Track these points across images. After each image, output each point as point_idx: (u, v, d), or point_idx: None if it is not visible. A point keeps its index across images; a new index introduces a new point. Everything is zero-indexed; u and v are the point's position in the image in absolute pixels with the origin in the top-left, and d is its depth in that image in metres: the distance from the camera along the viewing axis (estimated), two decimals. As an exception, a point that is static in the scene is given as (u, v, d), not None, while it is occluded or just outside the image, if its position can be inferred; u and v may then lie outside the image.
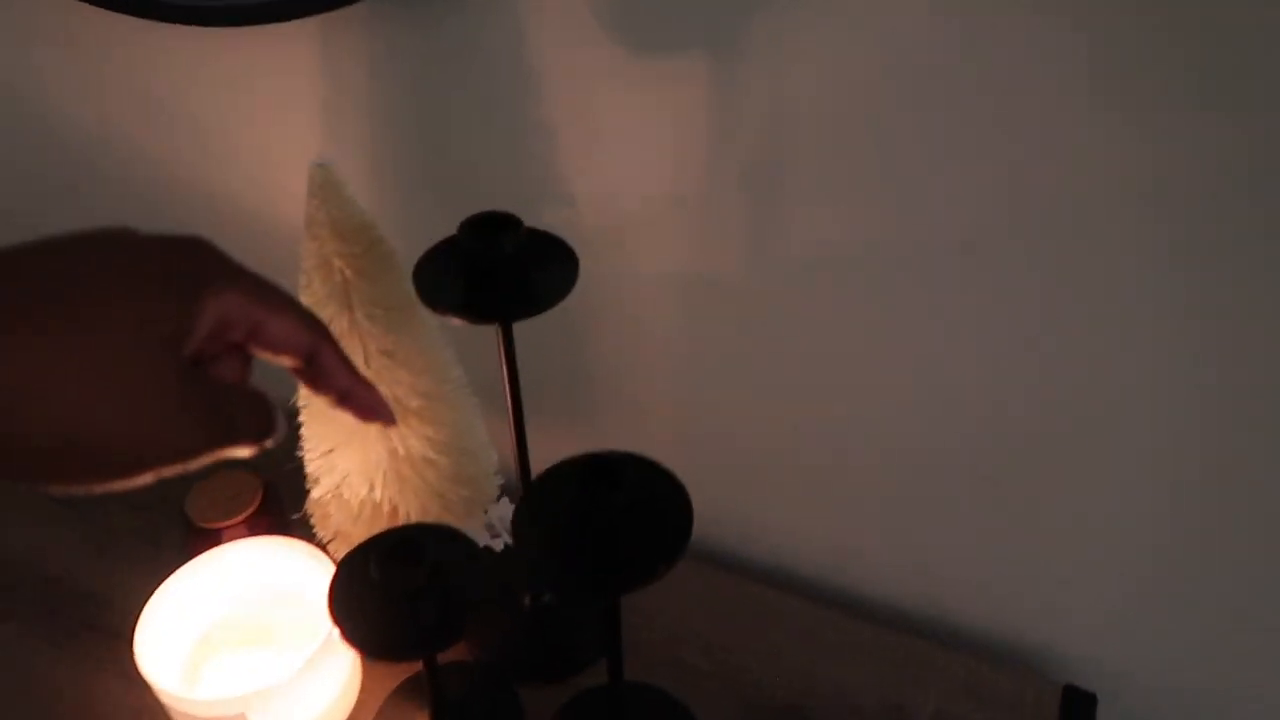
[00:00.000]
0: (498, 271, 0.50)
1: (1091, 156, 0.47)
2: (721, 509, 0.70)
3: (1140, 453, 0.56)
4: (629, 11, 0.51)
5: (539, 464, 0.77)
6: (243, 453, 0.35)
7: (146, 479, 0.32)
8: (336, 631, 0.49)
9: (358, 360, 0.56)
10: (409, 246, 0.53)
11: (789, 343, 0.61)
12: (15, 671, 0.65)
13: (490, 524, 0.71)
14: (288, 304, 0.36)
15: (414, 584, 0.49)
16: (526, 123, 0.58)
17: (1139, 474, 0.56)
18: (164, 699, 0.55)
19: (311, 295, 0.55)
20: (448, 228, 0.53)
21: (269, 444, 0.36)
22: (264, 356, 0.36)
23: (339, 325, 0.55)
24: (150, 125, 0.72)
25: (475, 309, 0.49)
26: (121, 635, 0.66)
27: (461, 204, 0.63)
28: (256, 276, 0.35)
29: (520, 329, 0.51)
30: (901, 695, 0.62)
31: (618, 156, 0.57)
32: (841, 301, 0.58)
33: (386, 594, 0.49)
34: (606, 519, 0.43)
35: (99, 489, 0.31)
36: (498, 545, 0.71)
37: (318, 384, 0.39)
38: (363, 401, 0.40)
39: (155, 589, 0.67)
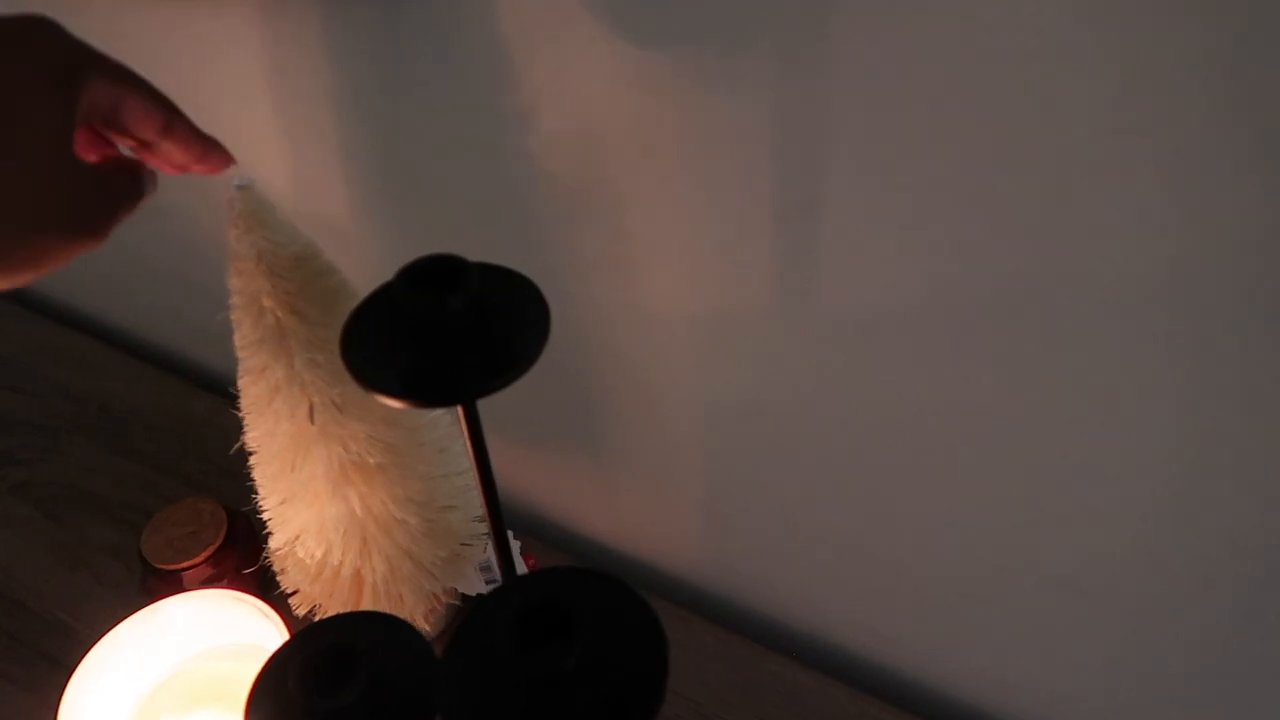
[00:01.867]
0: (448, 336, 0.39)
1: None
2: (741, 566, 0.60)
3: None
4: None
5: (549, 506, 0.68)
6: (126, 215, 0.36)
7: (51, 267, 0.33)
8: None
9: (300, 415, 0.46)
10: (374, 265, 0.43)
11: (821, 394, 0.50)
12: (-33, 707, 0.60)
13: (486, 564, 0.63)
14: (140, 80, 0.36)
15: (337, 709, 0.41)
16: (513, 116, 0.47)
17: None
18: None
19: (242, 338, 0.46)
20: (423, 239, 0.43)
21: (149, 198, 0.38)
22: (118, 137, 0.37)
23: (274, 375, 0.46)
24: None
25: (425, 389, 0.39)
26: (78, 674, 0.61)
27: (439, 209, 0.53)
28: (107, 57, 0.35)
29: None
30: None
31: (606, 159, 0.46)
32: (887, 358, 0.46)
33: (306, 716, 0.41)
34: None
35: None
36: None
37: (172, 155, 0.38)
38: (218, 158, 0.39)
39: (123, 617, 0.61)
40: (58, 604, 0.66)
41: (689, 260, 0.47)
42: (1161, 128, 0.34)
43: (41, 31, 0.33)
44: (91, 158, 0.38)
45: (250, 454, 0.52)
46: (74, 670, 0.59)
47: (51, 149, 0.32)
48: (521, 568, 0.66)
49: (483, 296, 0.39)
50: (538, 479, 0.65)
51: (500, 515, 0.43)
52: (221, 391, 0.80)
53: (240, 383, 0.48)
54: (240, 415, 0.50)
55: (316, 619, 0.55)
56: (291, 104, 0.54)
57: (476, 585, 0.62)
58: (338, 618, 0.46)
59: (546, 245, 0.50)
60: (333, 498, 0.50)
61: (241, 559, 0.61)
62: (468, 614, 0.37)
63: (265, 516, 0.54)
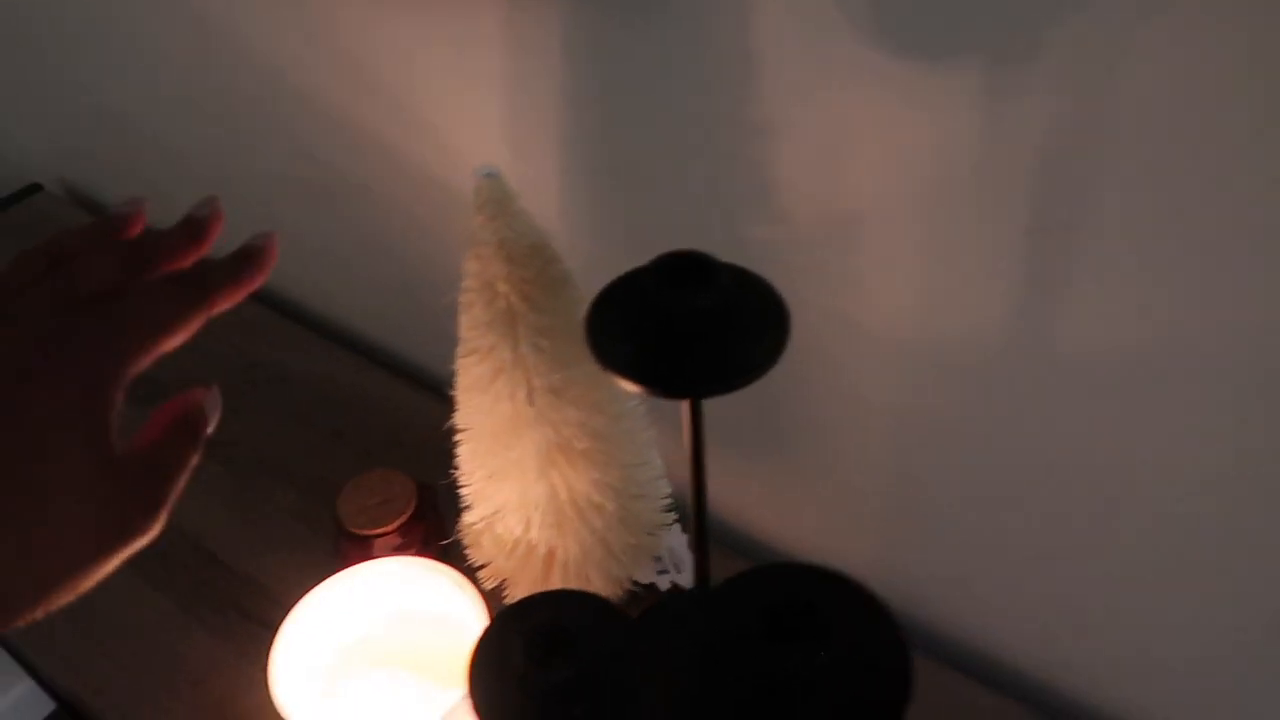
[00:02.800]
0: (689, 331, 0.40)
1: None
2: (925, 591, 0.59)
3: None
4: (878, 8, 0.40)
5: (720, 506, 0.69)
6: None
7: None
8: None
9: (519, 397, 0.48)
10: (591, 261, 0.45)
11: (1044, 444, 0.49)
12: (164, 648, 0.64)
13: (659, 556, 0.64)
14: (170, 324, 0.33)
15: (561, 681, 0.42)
16: (742, 123, 0.47)
17: None
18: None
19: (472, 319, 0.47)
20: (639, 243, 0.44)
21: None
22: None
23: (500, 356, 0.47)
24: (337, 79, 0.66)
25: (660, 379, 0.40)
26: (269, 624, 0.64)
27: (657, 213, 0.54)
28: (136, 340, 0.32)
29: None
30: None
31: (850, 170, 0.46)
32: (1129, 412, 0.45)
33: (529, 687, 0.43)
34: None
35: None
36: (664, 583, 0.63)
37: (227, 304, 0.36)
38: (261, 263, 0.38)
39: (305, 573, 0.64)
40: (246, 559, 0.69)
41: (923, 282, 0.47)
42: None
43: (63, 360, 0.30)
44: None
45: (458, 431, 0.54)
46: (264, 622, 0.63)
47: (87, 475, 0.30)
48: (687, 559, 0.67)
49: (728, 296, 0.39)
50: (718, 475, 0.66)
51: (705, 510, 0.44)
52: (393, 368, 0.84)
53: (461, 363, 0.50)
54: (451, 394, 0.53)
55: (505, 595, 0.57)
56: (525, 104, 0.55)
57: (649, 574, 0.63)
58: (547, 594, 0.47)
59: (777, 249, 0.50)
60: (538, 478, 0.51)
61: (428, 531, 0.63)
62: (661, 600, 0.38)
63: (465, 492, 0.56)
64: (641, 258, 0.36)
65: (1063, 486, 0.50)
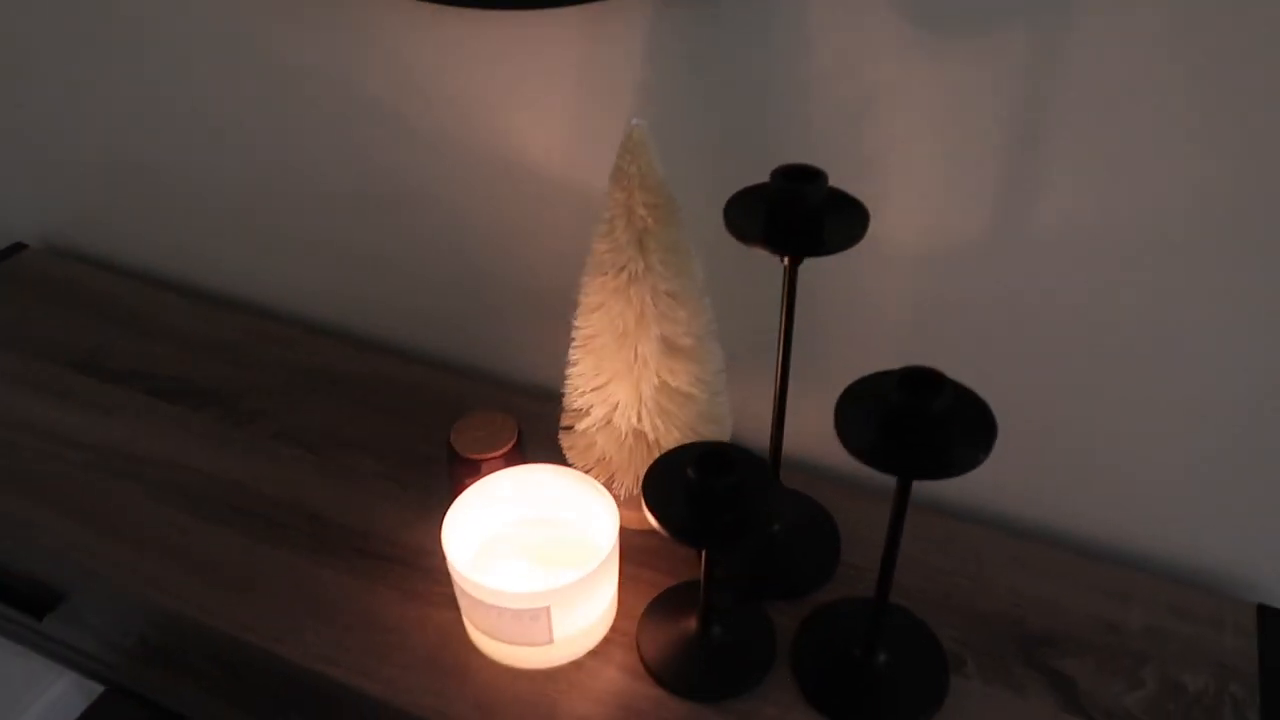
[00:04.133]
0: (798, 215, 0.57)
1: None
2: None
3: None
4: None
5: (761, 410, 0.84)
6: None
7: None
8: (654, 520, 0.56)
9: (648, 301, 0.63)
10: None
11: (1025, 302, 0.68)
12: (297, 588, 0.72)
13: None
14: None
15: (723, 488, 0.56)
16: (799, 93, 0.65)
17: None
18: (482, 595, 0.62)
19: (612, 241, 0.62)
20: (716, 189, 0.61)
21: None
22: None
23: (633, 268, 0.62)
24: (411, 99, 0.80)
25: (775, 242, 0.57)
26: (388, 558, 0.74)
27: (729, 169, 0.71)
28: None
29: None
30: (1112, 614, 0.69)
31: (879, 120, 0.64)
32: (1090, 274, 0.65)
33: (696, 493, 0.57)
34: (930, 419, 0.50)
35: None
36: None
37: None
38: None
39: (404, 520, 0.75)
40: (349, 513, 0.78)
41: (935, 202, 0.65)
42: None
43: None
44: None
45: (576, 349, 0.68)
46: (383, 555, 0.73)
47: None
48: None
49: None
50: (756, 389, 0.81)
51: (790, 343, 0.61)
52: (430, 363, 0.95)
53: (590, 284, 0.65)
54: (572, 323, 0.67)
55: (612, 487, 0.70)
56: (604, 93, 0.71)
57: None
58: (709, 443, 0.61)
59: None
60: (653, 370, 0.66)
61: (522, 459, 0.75)
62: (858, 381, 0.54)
63: (580, 401, 0.69)
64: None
65: (1061, 342, 0.68)
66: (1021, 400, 0.72)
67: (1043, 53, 0.58)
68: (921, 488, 0.78)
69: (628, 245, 0.62)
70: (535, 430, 0.77)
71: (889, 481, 0.54)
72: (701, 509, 0.57)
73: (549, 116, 0.75)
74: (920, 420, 0.50)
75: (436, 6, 0.71)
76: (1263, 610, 0.68)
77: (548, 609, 0.62)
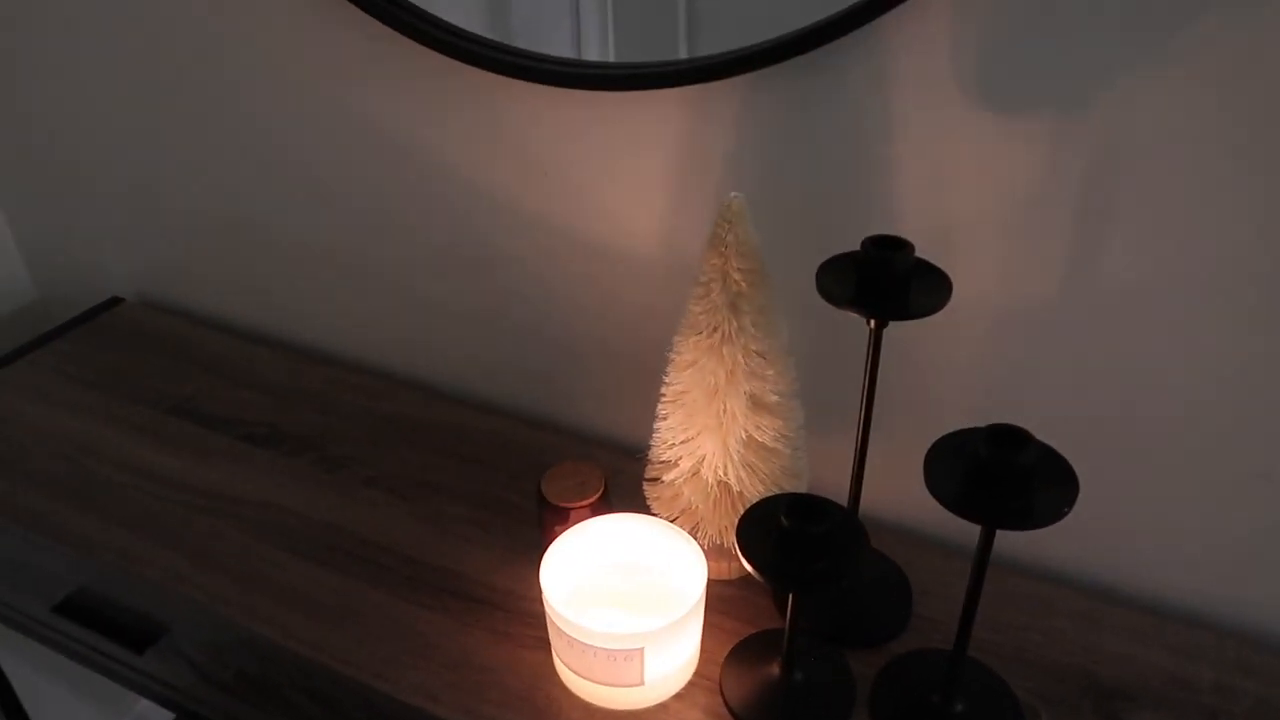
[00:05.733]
0: (887, 280, 0.61)
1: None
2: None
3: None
4: (982, 80, 0.64)
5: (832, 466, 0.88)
6: None
7: None
8: (749, 566, 0.60)
9: (739, 360, 0.67)
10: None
11: (1091, 365, 0.72)
12: (394, 625, 0.76)
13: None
14: None
15: (817, 535, 0.60)
16: (879, 169, 0.70)
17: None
18: (579, 635, 0.65)
19: (709, 303, 0.67)
20: (801, 257, 0.65)
21: None
22: None
23: (726, 329, 0.67)
24: (524, 179, 0.85)
25: (864, 305, 0.61)
26: (480, 600, 0.78)
27: (814, 238, 0.75)
28: None
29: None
30: (1182, 670, 0.71)
31: (951, 193, 0.69)
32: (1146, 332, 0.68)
33: (790, 538, 0.60)
34: (1017, 471, 0.54)
35: None
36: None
37: None
38: None
39: (492, 564, 0.79)
40: (440, 556, 0.82)
41: (1002, 267, 0.70)
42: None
43: None
44: None
45: (666, 403, 0.72)
46: (474, 598, 0.77)
47: None
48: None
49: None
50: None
51: (872, 406, 0.65)
52: (506, 414, 0.99)
53: (683, 343, 0.69)
54: (665, 379, 0.71)
55: (697, 535, 0.74)
56: (699, 167, 0.77)
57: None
58: (799, 494, 0.64)
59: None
60: (740, 425, 0.70)
61: (609, 509, 0.79)
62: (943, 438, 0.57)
63: (669, 453, 0.73)
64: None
65: (1127, 405, 0.71)
66: (1093, 461, 0.74)
67: (1100, 131, 0.62)
68: (996, 547, 0.81)
69: (722, 307, 0.66)
70: (615, 482, 0.81)
71: (958, 537, 0.58)
72: (793, 555, 0.60)
73: (646, 185, 0.80)
74: (1007, 472, 0.54)
75: (552, 89, 0.77)
76: (1328, 669, 0.70)
77: (641, 650, 0.65)
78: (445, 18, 0.79)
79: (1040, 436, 0.59)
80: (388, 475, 0.91)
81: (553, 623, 0.68)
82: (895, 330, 0.74)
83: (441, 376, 1.05)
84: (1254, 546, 0.73)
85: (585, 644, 0.65)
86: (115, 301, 1.21)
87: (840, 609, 0.75)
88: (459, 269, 0.95)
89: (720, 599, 0.77)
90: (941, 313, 0.71)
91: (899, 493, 0.84)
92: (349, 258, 1.01)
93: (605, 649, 0.65)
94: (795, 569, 0.60)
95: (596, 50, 0.78)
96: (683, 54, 0.73)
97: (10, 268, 1.27)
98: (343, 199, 0.97)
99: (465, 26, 0.79)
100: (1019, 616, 0.75)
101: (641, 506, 0.78)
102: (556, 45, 0.77)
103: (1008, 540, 0.81)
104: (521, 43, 0.78)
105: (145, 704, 1.52)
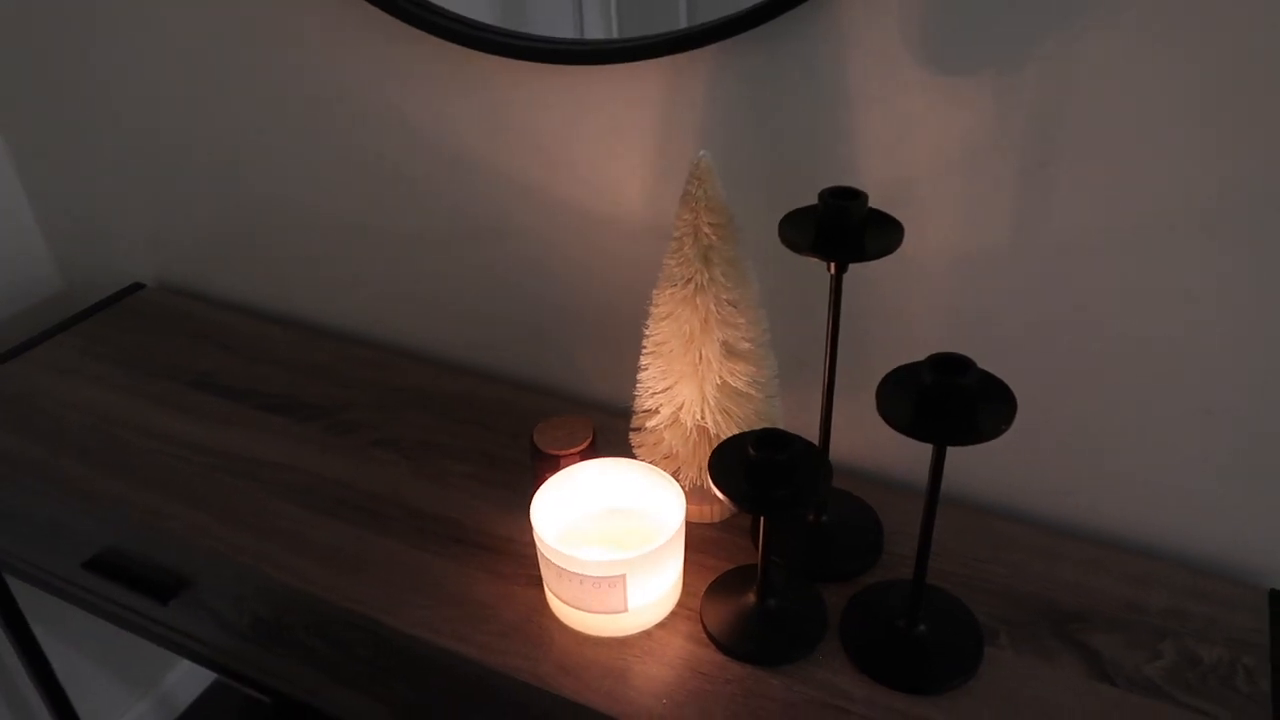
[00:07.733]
0: (843, 228, 0.67)
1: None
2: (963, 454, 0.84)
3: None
4: (929, 42, 0.69)
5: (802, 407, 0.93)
6: None
7: None
8: (717, 490, 0.65)
9: (711, 308, 0.72)
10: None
11: (1035, 303, 0.77)
12: (400, 570, 0.81)
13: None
14: None
15: (780, 462, 0.65)
16: (840, 129, 0.75)
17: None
18: (566, 564, 0.70)
19: (682, 256, 0.72)
20: (769, 214, 0.70)
21: None
22: None
23: (699, 280, 0.72)
24: (504, 148, 0.91)
25: (823, 251, 0.67)
26: (480, 545, 0.83)
27: (781, 195, 0.81)
28: None
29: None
30: (1136, 597, 0.75)
31: (908, 150, 0.74)
32: (1099, 267, 0.73)
33: (755, 469, 0.65)
34: (961, 394, 0.59)
35: None
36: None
37: None
38: None
39: (492, 514, 0.85)
40: (448, 509, 0.88)
41: (957, 218, 0.75)
42: None
43: None
44: None
45: (647, 354, 0.77)
46: (481, 545, 0.82)
47: None
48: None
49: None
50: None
51: (836, 345, 0.70)
52: (506, 381, 1.05)
53: (661, 295, 0.75)
54: (645, 332, 0.76)
55: (679, 477, 0.79)
56: (675, 133, 0.82)
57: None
58: (767, 428, 0.69)
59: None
60: (716, 372, 0.75)
61: (596, 457, 0.84)
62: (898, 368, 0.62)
63: (650, 401, 0.78)
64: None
65: (1074, 337, 0.76)
66: (1046, 401, 0.79)
67: (1047, 82, 0.67)
68: (958, 485, 0.86)
69: (695, 259, 0.72)
70: (606, 438, 0.86)
71: (924, 478, 0.63)
72: (760, 481, 0.65)
73: (627, 153, 0.86)
74: (951, 395, 0.59)
75: (532, 64, 0.83)
76: (1275, 595, 0.75)
77: (624, 577, 0.70)
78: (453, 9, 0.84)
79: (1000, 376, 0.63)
80: (395, 438, 0.97)
81: (543, 555, 0.73)
82: (859, 284, 0.79)
83: (450, 349, 1.10)
84: (1199, 478, 0.78)
85: (572, 572, 0.71)
86: (137, 287, 1.27)
87: (813, 546, 0.80)
88: (452, 246, 1.01)
89: (703, 540, 0.82)
90: (901, 263, 0.77)
91: (871, 444, 0.90)
92: (354, 237, 1.07)
93: (590, 576, 0.70)
94: (761, 493, 0.65)
95: (600, 27, 0.83)
96: (683, 24, 0.77)
97: (39, 260, 1.34)
98: (342, 184, 1.03)
99: (471, 15, 0.84)
100: (983, 551, 0.80)
101: (629, 455, 0.83)
102: (559, 26, 0.82)
103: (974, 478, 0.86)
104: (536, 29, 0.83)
105: (172, 679, 1.59)
